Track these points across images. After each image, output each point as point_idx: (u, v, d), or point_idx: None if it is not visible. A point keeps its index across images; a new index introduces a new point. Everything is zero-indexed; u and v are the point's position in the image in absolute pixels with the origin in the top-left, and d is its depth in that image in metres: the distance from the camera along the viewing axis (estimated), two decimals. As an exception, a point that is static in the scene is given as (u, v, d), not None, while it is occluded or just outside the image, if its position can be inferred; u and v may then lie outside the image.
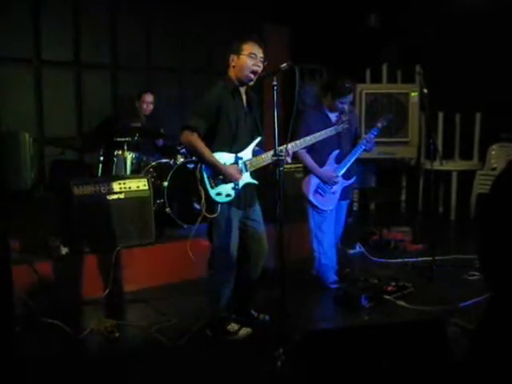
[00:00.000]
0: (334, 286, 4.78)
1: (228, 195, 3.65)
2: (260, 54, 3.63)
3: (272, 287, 3.54)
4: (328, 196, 4.72)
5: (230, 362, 3.49)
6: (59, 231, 4.73)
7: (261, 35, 7.38)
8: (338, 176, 4.69)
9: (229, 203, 3.66)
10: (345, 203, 4.95)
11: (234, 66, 3.66)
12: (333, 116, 4.72)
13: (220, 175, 3.59)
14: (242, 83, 3.70)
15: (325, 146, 4.62)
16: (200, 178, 3.58)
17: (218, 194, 3.62)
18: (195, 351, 3.63)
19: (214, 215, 3.62)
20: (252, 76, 3.63)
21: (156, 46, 7.31)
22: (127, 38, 7.03)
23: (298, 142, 3.92)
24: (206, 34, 7.41)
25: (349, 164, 4.75)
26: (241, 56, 3.61)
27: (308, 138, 4.02)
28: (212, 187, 3.59)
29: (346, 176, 4.77)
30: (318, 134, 4.13)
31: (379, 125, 4.79)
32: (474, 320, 3.67)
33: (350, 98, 4.63)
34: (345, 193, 4.84)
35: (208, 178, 3.59)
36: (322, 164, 4.70)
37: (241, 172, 3.67)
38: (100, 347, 3.80)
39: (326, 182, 4.68)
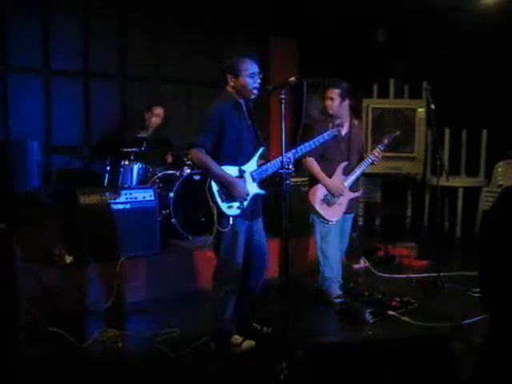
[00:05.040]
0: (338, 300, 4.75)
1: (239, 207, 3.66)
2: (257, 69, 3.66)
3: (276, 300, 3.54)
4: (334, 207, 4.73)
5: (233, 375, 3.48)
6: (64, 240, 4.74)
7: (266, 48, 7.51)
8: (345, 188, 4.71)
9: (237, 215, 3.67)
10: (350, 217, 4.95)
11: (233, 86, 3.68)
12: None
13: (228, 190, 3.59)
14: (243, 97, 3.72)
15: (333, 157, 4.65)
16: (210, 194, 3.58)
17: (230, 207, 3.62)
18: (198, 363, 3.61)
19: (227, 229, 3.62)
20: (255, 92, 3.67)
21: (164, 58, 7.36)
22: (136, 49, 7.08)
23: (298, 148, 3.85)
24: (213, 46, 7.46)
25: (356, 177, 4.76)
26: (240, 78, 3.63)
27: (308, 144, 3.98)
28: (223, 201, 3.60)
29: (352, 188, 4.78)
30: (317, 138, 4.09)
31: (386, 141, 4.79)
32: (478, 337, 3.67)
33: None
34: (350, 206, 4.84)
35: (218, 191, 3.59)
36: (329, 175, 4.72)
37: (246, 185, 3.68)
38: (103, 357, 3.79)
39: (333, 193, 4.69)
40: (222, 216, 3.60)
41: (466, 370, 2.69)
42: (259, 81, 3.66)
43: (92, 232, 4.67)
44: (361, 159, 4.82)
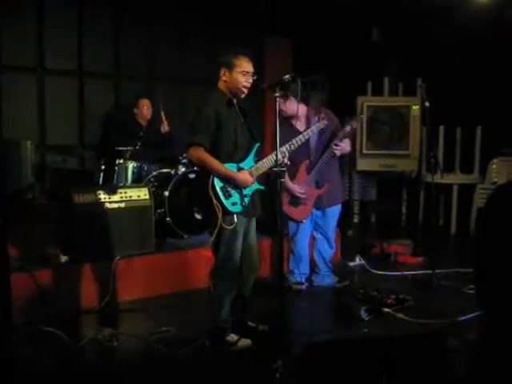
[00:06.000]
0: (296, 287, 4.88)
1: (242, 204, 3.66)
2: (251, 69, 3.66)
3: (271, 298, 3.54)
4: (300, 207, 4.78)
5: (229, 373, 3.47)
6: (59, 239, 4.72)
7: (261, 47, 7.51)
8: (302, 190, 4.72)
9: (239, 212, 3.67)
10: (331, 210, 4.95)
11: (225, 81, 3.69)
12: (300, 124, 4.75)
13: (232, 183, 3.60)
14: (235, 95, 3.73)
15: (295, 156, 4.57)
16: (214, 193, 3.57)
17: (234, 204, 3.62)
18: (193, 362, 3.61)
19: (232, 226, 3.62)
20: (244, 91, 3.68)
21: (158, 56, 7.34)
22: (130, 47, 7.06)
23: (292, 142, 3.88)
24: (207, 45, 7.44)
25: (316, 172, 4.76)
26: (233, 73, 3.64)
27: (297, 139, 3.95)
28: (226, 198, 3.59)
29: (317, 185, 4.79)
30: (306, 132, 4.13)
31: (348, 128, 4.66)
32: (473, 333, 3.68)
33: None
34: (324, 200, 4.85)
35: (221, 189, 3.59)
36: (293, 175, 4.73)
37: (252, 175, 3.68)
38: (98, 356, 3.78)
39: (293, 194, 4.75)
40: (227, 214, 3.60)
41: (461, 366, 2.70)
42: (251, 80, 3.65)
43: (87, 231, 4.65)
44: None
